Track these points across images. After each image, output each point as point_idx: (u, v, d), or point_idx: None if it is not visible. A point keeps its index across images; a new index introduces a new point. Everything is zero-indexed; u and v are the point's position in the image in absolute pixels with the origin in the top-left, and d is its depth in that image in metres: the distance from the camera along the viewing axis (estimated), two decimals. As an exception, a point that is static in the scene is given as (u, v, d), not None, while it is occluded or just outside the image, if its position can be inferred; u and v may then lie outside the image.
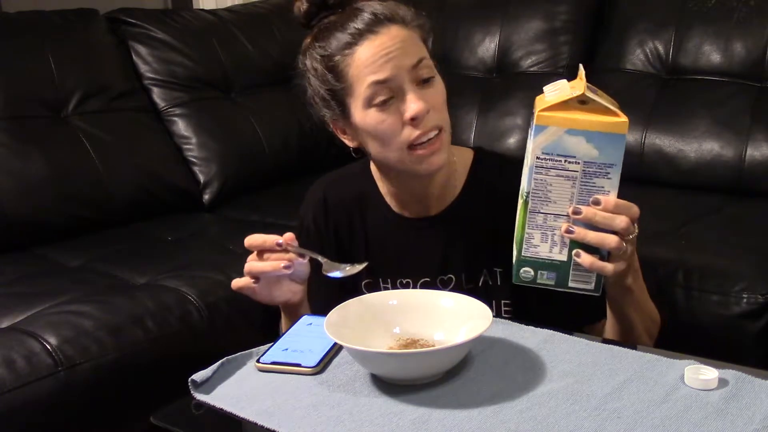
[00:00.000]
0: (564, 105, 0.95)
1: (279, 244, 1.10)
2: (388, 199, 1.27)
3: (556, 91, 0.98)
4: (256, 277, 1.12)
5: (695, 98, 2.11)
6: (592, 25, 2.37)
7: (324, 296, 1.21)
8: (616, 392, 0.92)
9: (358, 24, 1.12)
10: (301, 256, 1.12)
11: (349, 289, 1.21)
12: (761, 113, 2.02)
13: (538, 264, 1.02)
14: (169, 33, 2.33)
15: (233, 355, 1.06)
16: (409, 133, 1.12)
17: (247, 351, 1.07)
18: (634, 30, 2.25)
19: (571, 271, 1.01)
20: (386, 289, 1.26)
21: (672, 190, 2.05)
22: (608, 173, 0.95)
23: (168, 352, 1.50)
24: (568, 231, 0.98)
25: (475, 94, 2.39)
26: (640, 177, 2.13)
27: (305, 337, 1.08)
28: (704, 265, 1.63)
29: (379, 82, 1.11)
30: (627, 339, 1.15)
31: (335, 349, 1.05)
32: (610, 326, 1.17)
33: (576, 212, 0.97)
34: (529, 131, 1.00)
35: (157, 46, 2.31)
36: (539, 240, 1.00)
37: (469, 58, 2.46)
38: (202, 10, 2.65)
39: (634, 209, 0.99)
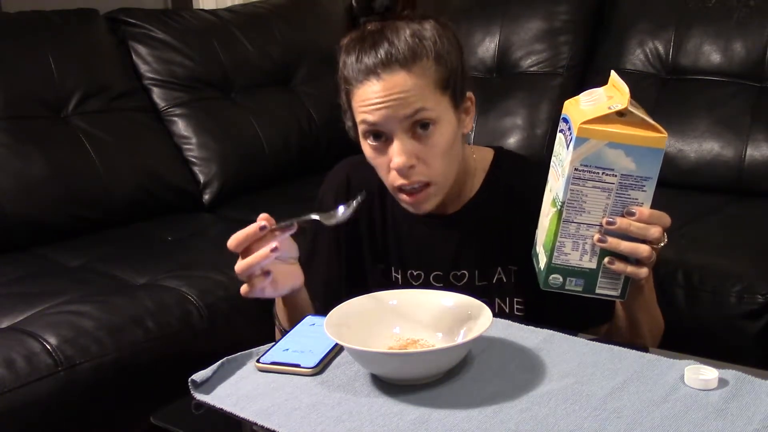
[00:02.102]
0: (604, 117, 0.95)
1: (262, 228, 1.08)
2: None
3: (593, 101, 0.98)
4: (259, 273, 1.09)
5: (695, 98, 2.11)
6: (592, 25, 2.37)
7: (328, 283, 1.21)
8: (616, 392, 0.92)
9: (370, 59, 1.11)
10: (289, 227, 1.09)
11: (358, 279, 1.22)
12: (761, 113, 2.02)
13: (568, 271, 1.02)
14: (169, 33, 2.33)
15: (233, 355, 1.06)
16: (394, 179, 1.14)
17: (247, 351, 1.07)
18: (634, 30, 2.26)
19: (599, 278, 1.02)
20: (397, 278, 1.27)
21: (672, 190, 2.05)
22: (643, 186, 0.96)
23: (168, 352, 1.50)
24: (600, 240, 0.98)
25: (475, 94, 2.39)
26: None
27: (307, 338, 1.08)
28: (704, 265, 1.63)
29: (369, 123, 1.12)
30: (631, 340, 1.15)
31: (336, 350, 1.05)
32: (617, 327, 1.17)
33: (610, 223, 0.97)
34: (562, 138, 0.99)
35: (157, 46, 2.31)
36: (570, 248, 1.00)
37: (469, 58, 2.45)
38: (202, 10, 2.65)
39: (666, 219, 0.99)
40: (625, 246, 0.97)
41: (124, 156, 2.08)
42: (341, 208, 1.12)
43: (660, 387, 0.92)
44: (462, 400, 0.92)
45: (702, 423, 0.85)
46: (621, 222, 0.96)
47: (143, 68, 2.29)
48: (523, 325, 1.10)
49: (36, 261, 1.82)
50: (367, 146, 1.16)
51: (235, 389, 0.99)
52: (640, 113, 0.95)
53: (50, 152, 1.96)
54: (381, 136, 1.13)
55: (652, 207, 0.98)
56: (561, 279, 1.03)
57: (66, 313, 1.49)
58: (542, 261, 1.03)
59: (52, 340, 1.40)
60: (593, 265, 1.00)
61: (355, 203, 1.11)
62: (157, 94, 2.28)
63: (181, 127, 2.26)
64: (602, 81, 1.05)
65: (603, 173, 0.95)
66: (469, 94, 1.21)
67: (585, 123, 0.94)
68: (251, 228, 1.08)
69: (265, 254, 1.06)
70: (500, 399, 0.91)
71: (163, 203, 2.14)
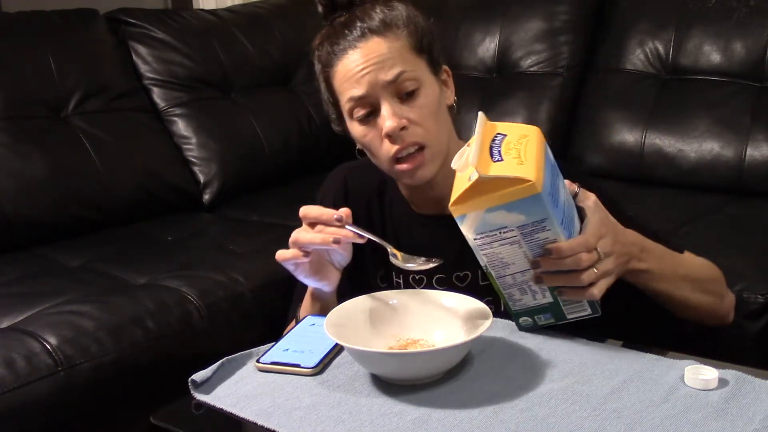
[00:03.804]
0: (470, 189, 0.92)
1: (338, 219, 1.06)
2: (406, 196, 1.27)
3: (462, 166, 0.97)
4: (305, 250, 1.09)
5: (695, 98, 2.11)
6: (592, 25, 2.37)
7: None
8: (616, 392, 0.92)
9: (344, 38, 1.13)
10: (359, 236, 1.07)
11: (360, 281, 1.21)
12: (761, 113, 2.02)
13: (532, 311, 1.04)
14: (169, 33, 2.33)
15: (233, 355, 1.06)
16: (389, 148, 1.13)
17: (247, 351, 1.08)
18: (634, 30, 2.25)
19: (563, 307, 1.03)
20: (398, 283, 1.27)
21: (672, 190, 2.05)
22: (545, 227, 0.94)
23: (168, 352, 1.50)
24: (537, 281, 0.99)
25: (475, 94, 2.39)
26: (640, 177, 2.13)
27: (307, 338, 1.08)
28: (704, 265, 1.62)
29: (356, 98, 1.12)
30: (684, 308, 1.14)
31: (336, 350, 1.05)
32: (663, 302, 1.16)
33: (536, 266, 0.97)
34: None
35: (157, 46, 2.31)
36: (520, 294, 1.02)
37: (469, 58, 2.45)
38: (202, 10, 2.65)
39: (590, 240, 0.97)
40: (562, 280, 0.98)
41: (124, 156, 2.08)
42: (421, 259, 1.08)
43: (660, 387, 0.92)
44: (462, 400, 0.92)
45: (702, 423, 0.85)
46: (545, 263, 0.96)
47: (143, 68, 2.28)
48: (523, 325, 1.10)
49: (36, 261, 1.81)
50: (356, 126, 1.16)
51: (235, 389, 0.99)
52: (502, 169, 0.92)
53: (50, 152, 1.96)
54: (368, 111, 1.13)
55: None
56: (530, 319, 1.05)
57: (66, 313, 1.49)
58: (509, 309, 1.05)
59: (52, 340, 1.40)
60: (550, 299, 1.01)
61: (434, 261, 1.09)
62: (157, 94, 2.28)
63: (181, 127, 2.26)
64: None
65: (500, 232, 0.95)
66: (446, 67, 1.21)
67: (453, 204, 0.94)
68: (329, 212, 1.07)
69: (327, 241, 1.06)
70: (500, 399, 0.91)
71: (163, 203, 2.14)
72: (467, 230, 0.95)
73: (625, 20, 2.29)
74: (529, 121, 2.31)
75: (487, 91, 2.40)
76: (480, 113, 1.02)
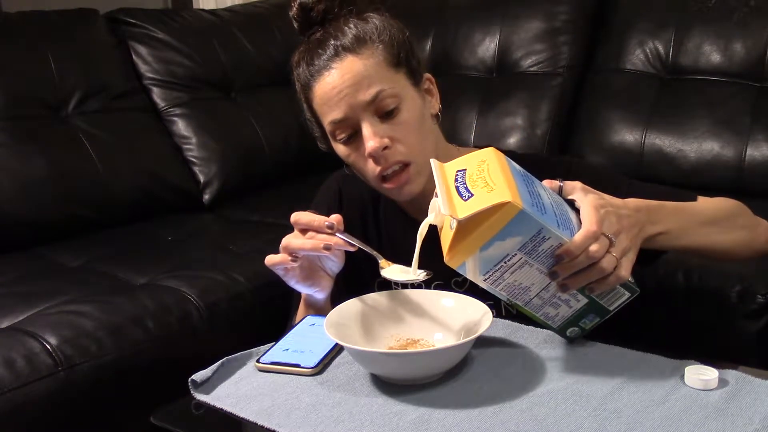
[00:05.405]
0: (455, 237, 0.91)
1: (330, 227, 1.07)
2: (400, 203, 1.27)
3: (439, 219, 0.96)
4: (294, 255, 1.09)
5: (695, 98, 2.11)
6: (592, 25, 2.37)
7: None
8: (616, 392, 0.92)
9: (319, 57, 1.13)
10: (350, 244, 1.08)
11: (356, 288, 1.21)
12: (761, 113, 2.02)
13: (574, 320, 1.02)
14: (169, 33, 2.33)
15: (233, 355, 1.06)
16: (373, 168, 1.13)
17: (247, 351, 1.08)
18: (634, 30, 2.25)
19: (601, 302, 1.00)
20: (396, 290, 1.26)
21: (672, 190, 2.05)
22: (544, 237, 0.91)
23: (168, 352, 1.50)
24: (564, 290, 0.96)
25: (475, 94, 2.39)
26: (640, 177, 2.12)
27: (307, 338, 1.08)
28: (704, 265, 1.62)
29: (336, 121, 1.12)
30: (720, 253, 1.13)
31: (336, 350, 1.05)
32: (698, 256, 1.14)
33: (554, 276, 0.94)
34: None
35: (157, 46, 2.31)
36: (554, 310, 1.00)
37: (469, 58, 2.45)
38: (202, 10, 2.65)
39: (593, 229, 0.93)
40: (586, 277, 0.95)
41: (124, 156, 2.08)
42: (418, 272, 1.06)
43: (660, 387, 0.92)
44: (462, 400, 0.92)
45: (702, 423, 0.85)
46: (561, 270, 0.94)
47: (143, 68, 2.29)
48: (523, 325, 1.10)
49: (36, 261, 1.81)
50: (340, 147, 1.16)
51: (235, 389, 0.99)
52: (475, 204, 0.90)
53: (50, 152, 1.96)
54: (350, 132, 1.13)
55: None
56: (576, 328, 1.03)
57: (66, 313, 1.49)
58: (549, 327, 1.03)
59: (52, 340, 1.40)
60: (585, 299, 0.99)
61: (425, 275, 1.07)
62: (157, 94, 2.28)
63: (181, 127, 2.26)
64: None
65: (504, 262, 0.93)
66: (428, 75, 1.20)
67: (447, 257, 0.93)
68: (320, 219, 1.07)
69: (318, 247, 1.06)
70: (500, 399, 0.91)
71: (163, 203, 2.14)
72: (473, 276, 0.94)
73: (625, 20, 2.29)
74: (529, 121, 2.31)
75: (487, 91, 2.40)
76: (432, 160, 1.01)
